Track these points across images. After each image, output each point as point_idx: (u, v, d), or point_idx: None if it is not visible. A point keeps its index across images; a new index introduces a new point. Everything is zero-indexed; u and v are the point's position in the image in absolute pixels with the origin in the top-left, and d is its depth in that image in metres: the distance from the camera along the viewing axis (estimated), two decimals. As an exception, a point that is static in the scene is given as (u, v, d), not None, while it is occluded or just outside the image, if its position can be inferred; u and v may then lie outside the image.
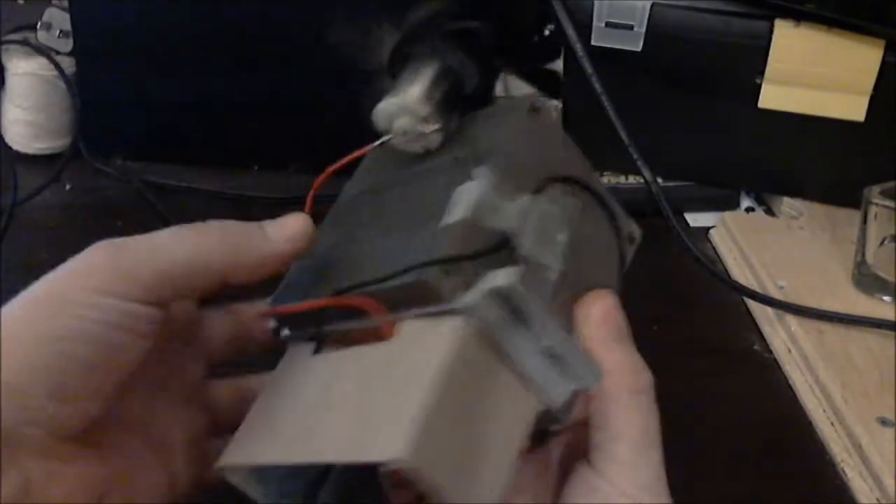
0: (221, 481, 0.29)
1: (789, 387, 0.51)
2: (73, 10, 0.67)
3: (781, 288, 0.56)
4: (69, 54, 0.68)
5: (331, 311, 0.29)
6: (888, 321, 0.52)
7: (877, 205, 0.54)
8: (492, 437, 0.24)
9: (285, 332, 0.32)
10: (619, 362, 0.29)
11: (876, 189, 0.54)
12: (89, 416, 0.26)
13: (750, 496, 0.44)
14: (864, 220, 0.55)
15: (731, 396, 0.50)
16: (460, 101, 0.34)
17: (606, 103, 0.51)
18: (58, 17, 0.68)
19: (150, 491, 0.30)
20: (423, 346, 0.25)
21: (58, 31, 0.68)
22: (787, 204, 0.66)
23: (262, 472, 0.29)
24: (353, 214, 0.35)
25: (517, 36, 0.42)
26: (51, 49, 0.68)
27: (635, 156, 0.51)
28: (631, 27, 0.62)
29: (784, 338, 0.53)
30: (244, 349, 0.35)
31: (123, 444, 0.29)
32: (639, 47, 0.63)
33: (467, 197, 0.28)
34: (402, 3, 0.35)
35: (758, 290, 0.56)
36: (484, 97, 0.36)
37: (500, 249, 0.27)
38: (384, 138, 0.33)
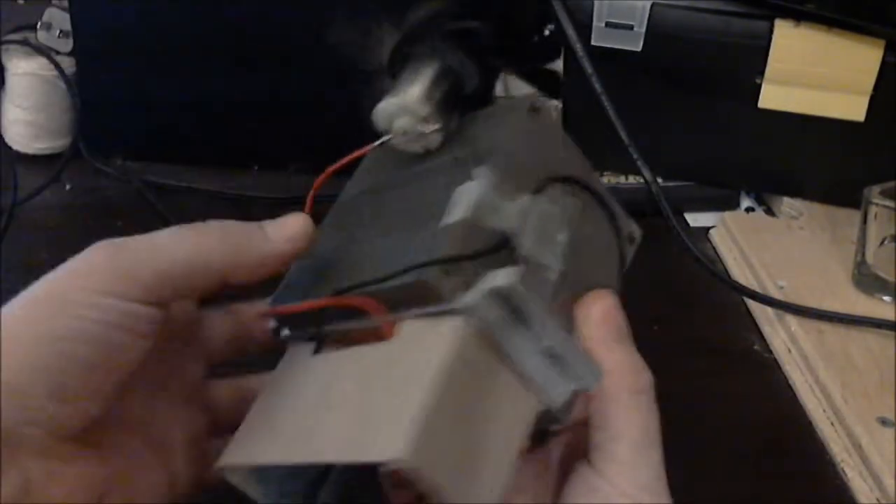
0: (222, 481, 0.29)
1: (789, 387, 0.51)
2: (73, 10, 0.67)
3: (781, 288, 0.56)
4: (69, 54, 0.68)
5: (331, 311, 0.29)
6: (888, 321, 0.52)
7: (877, 205, 0.54)
8: (492, 437, 0.24)
9: (285, 332, 0.32)
10: (620, 362, 0.29)
11: (876, 189, 0.54)
12: (89, 417, 0.26)
13: (750, 496, 0.44)
14: (864, 220, 0.55)
15: (731, 396, 0.50)
16: (460, 102, 0.34)
17: (606, 103, 0.51)
18: (58, 17, 0.68)
19: (150, 491, 0.30)
20: (423, 346, 0.25)
21: (58, 31, 0.68)
22: (787, 204, 0.66)
23: (262, 472, 0.29)
24: (354, 214, 0.35)
25: (517, 36, 0.42)
26: (51, 49, 0.68)
27: (635, 156, 0.51)
28: (631, 27, 0.62)
29: (784, 338, 0.53)
30: (244, 349, 0.35)
31: (123, 444, 0.29)
32: (639, 47, 0.63)
33: (467, 197, 0.28)
34: (401, 3, 0.35)
35: (758, 290, 0.56)
36: (484, 97, 0.36)
37: (500, 249, 0.27)
38: (384, 138, 0.33)
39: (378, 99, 0.33)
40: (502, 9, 0.38)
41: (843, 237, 0.61)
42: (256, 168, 0.71)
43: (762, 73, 0.61)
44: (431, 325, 0.26)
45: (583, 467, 0.28)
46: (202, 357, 0.34)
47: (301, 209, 0.31)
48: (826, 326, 0.53)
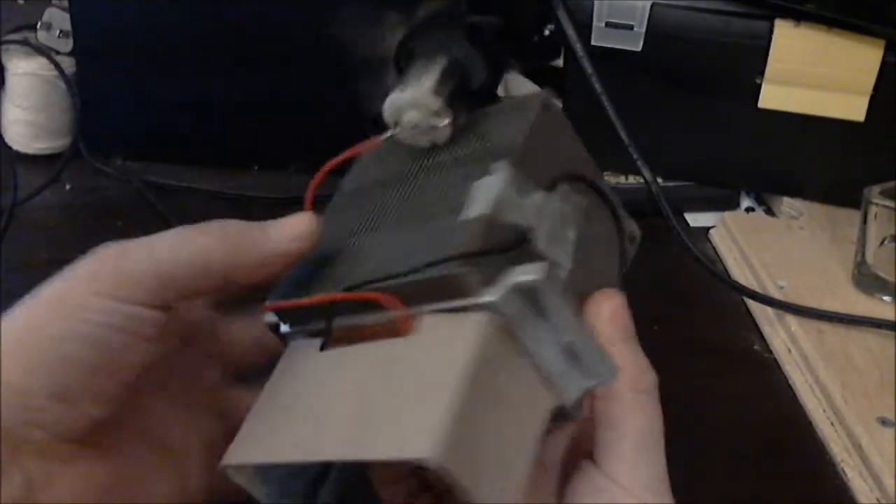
0: (239, 489, 0.29)
1: (789, 387, 0.51)
2: (73, 10, 0.67)
3: (781, 288, 0.56)
4: (69, 54, 0.68)
5: (340, 305, 0.29)
6: (888, 321, 0.52)
7: (877, 205, 0.54)
8: (513, 434, 0.24)
9: (285, 327, 0.31)
10: (626, 361, 0.29)
11: (876, 189, 0.54)
12: (92, 418, 0.26)
13: (750, 496, 0.44)
14: (864, 220, 0.55)
15: (731, 396, 0.50)
16: (468, 97, 0.34)
17: (606, 103, 0.51)
18: (58, 17, 0.68)
19: (158, 495, 0.29)
20: (447, 342, 0.25)
21: (58, 31, 0.68)
22: (787, 204, 0.66)
23: (265, 472, 0.29)
24: (355, 208, 0.34)
25: (518, 35, 0.42)
26: (51, 49, 0.68)
27: (635, 156, 0.51)
28: (631, 27, 0.62)
29: (784, 338, 0.53)
30: (270, 354, 0.34)
31: (130, 448, 0.29)
32: (639, 47, 0.63)
33: (487, 192, 0.27)
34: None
35: (758, 290, 0.56)
36: (490, 93, 0.35)
37: (520, 245, 0.27)
38: (393, 131, 0.33)
39: (381, 93, 0.33)
40: (503, 8, 0.38)
41: (843, 237, 0.61)
42: (256, 168, 0.71)
43: (762, 73, 0.61)
44: (453, 321, 0.25)
45: (587, 466, 0.28)
46: (221, 364, 0.33)
47: (301, 209, 0.31)
48: (826, 326, 0.53)
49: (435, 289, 0.26)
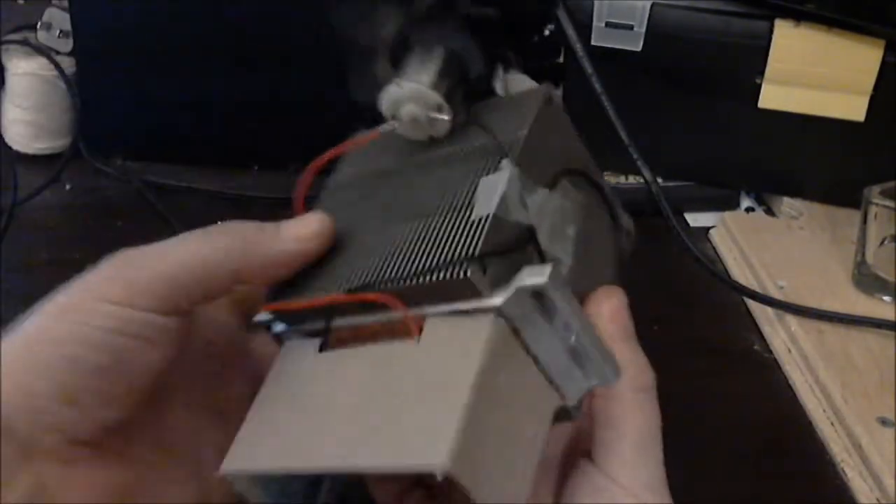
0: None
1: (789, 387, 0.51)
2: (73, 10, 0.67)
3: (781, 288, 0.56)
4: (69, 54, 0.68)
5: (341, 306, 0.28)
6: (888, 321, 0.52)
7: (877, 205, 0.54)
8: (520, 436, 0.24)
9: (279, 327, 0.31)
10: (626, 360, 0.29)
11: (876, 189, 0.54)
12: (103, 422, 0.26)
13: (750, 496, 0.44)
14: (864, 220, 0.55)
15: (731, 396, 0.50)
16: (467, 89, 0.33)
17: (606, 103, 0.51)
18: (58, 17, 0.68)
19: (176, 502, 0.29)
20: (455, 346, 0.25)
21: (58, 31, 0.68)
22: (787, 204, 0.66)
23: (265, 476, 0.29)
24: (347, 203, 0.33)
25: (518, 35, 0.41)
26: (51, 49, 0.68)
27: (635, 156, 0.51)
28: (631, 27, 0.62)
29: (784, 338, 0.53)
30: None
31: (148, 455, 0.29)
32: (639, 47, 0.63)
33: (492, 191, 0.27)
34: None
35: (758, 290, 0.56)
36: (487, 85, 0.35)
37: (527, 244, 0.27)
38: (391, 124, 0.32)
39: (375, 85, 0.32)
40: (503, 5, 0.38)
41: (843, 237, 0.61)
42: (256, 168, 0.71)
43: (762, 73, 0.61)
44: (459, 323, 0.25)
45: (586, 466, 0.28)
46: (250, 376, 0.32)
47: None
48: (826, 326, 0.53)
49: (441, 290, 0.26)
